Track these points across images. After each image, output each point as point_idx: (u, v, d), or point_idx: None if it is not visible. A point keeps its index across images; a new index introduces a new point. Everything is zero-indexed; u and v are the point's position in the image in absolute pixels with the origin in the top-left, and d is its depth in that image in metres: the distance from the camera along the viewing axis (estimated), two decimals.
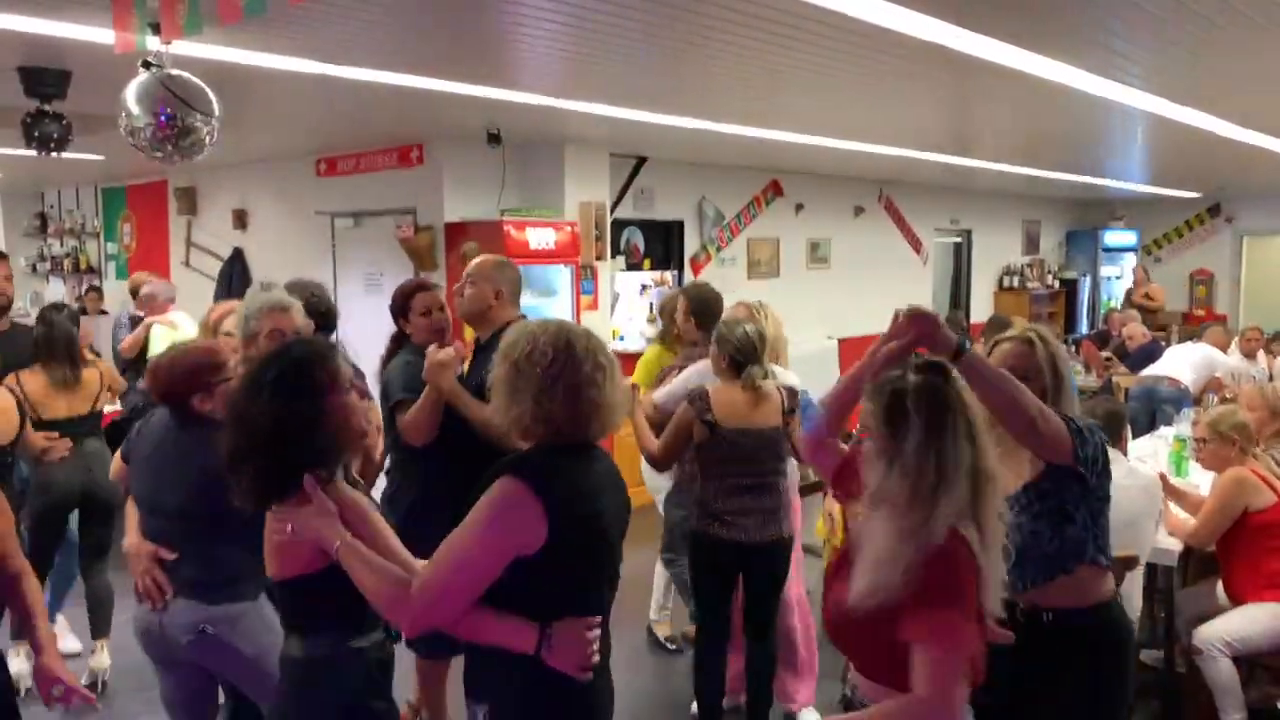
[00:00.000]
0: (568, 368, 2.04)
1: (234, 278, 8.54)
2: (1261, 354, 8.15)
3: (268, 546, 2.10)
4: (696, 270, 9.07)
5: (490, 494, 1.97)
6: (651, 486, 4.77)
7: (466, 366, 3.54)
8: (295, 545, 2.02)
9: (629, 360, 5.59)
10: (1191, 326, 11.01)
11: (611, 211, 7.63)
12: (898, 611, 1.85)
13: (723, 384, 3.68)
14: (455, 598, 1.94)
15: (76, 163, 8.00)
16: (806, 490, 4.67)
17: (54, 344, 4.39)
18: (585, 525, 2.04)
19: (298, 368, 2.07)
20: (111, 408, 5.63)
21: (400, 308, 3.71)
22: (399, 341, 3.73)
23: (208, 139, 3.57)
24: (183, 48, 3.46)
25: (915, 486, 1.88)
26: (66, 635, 4.70)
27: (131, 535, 2.83)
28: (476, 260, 3.66)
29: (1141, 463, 4.33)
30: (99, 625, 4.55)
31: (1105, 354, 9.72)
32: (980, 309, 12.47)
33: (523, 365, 2.06)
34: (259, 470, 2.03)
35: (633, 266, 8.46)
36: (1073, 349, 10.32)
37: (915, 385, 1.96)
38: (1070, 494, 2.47)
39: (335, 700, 2.09)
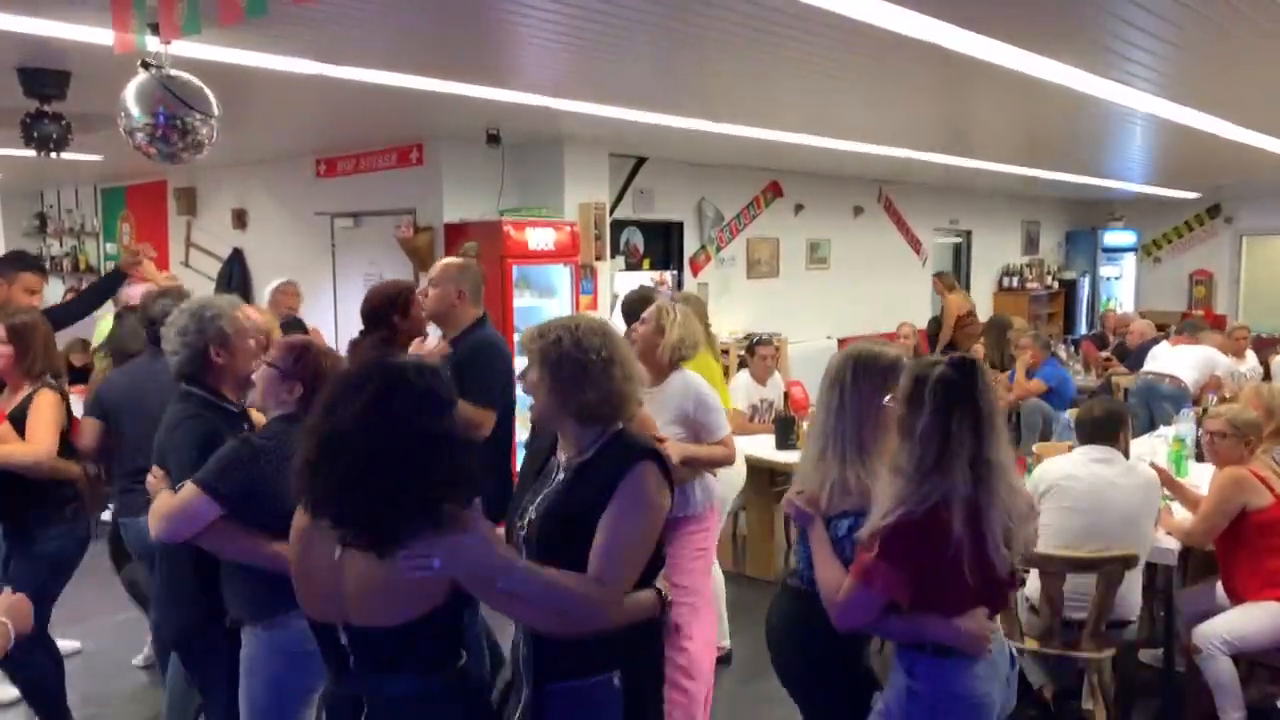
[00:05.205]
0: (614, 350, 2.15)
1: (233, 278, 8.55)
2: (1250, 353, 8.17)
3: (375, 591, 1.92)
4: (696, 270, 9.07)
5: (641, 482, 2.06)
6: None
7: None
8: (424, 584, 1.87)
9: None
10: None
11: (611, 212, 7.63)
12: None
13: None
14: (633, 583, 2.05)
15: (76, 163, 8.00)
16: None
17: None
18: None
19: (437, 379, 1.96)
20: None
21: (405, 305, 3.78)
22: (389, 342, 3.78)
23: (207, 139, 3.57)
24: (182, 48, 3.46)
25: (919, 461, 2.18)
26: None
27: None
28: (440, 263, 3.82)
29: (1141, 461, 4.33)
30: None
31: (1105, 354, 9.75)
32: (980, 309, 12.46)
33: (574, 355, 2.11)
34: (392, 504, 1.82)
35: (632, 267, 8.47)
36: (1072, 349, 10.34)
37: (935, 375, 2.22)
38: None
39: None
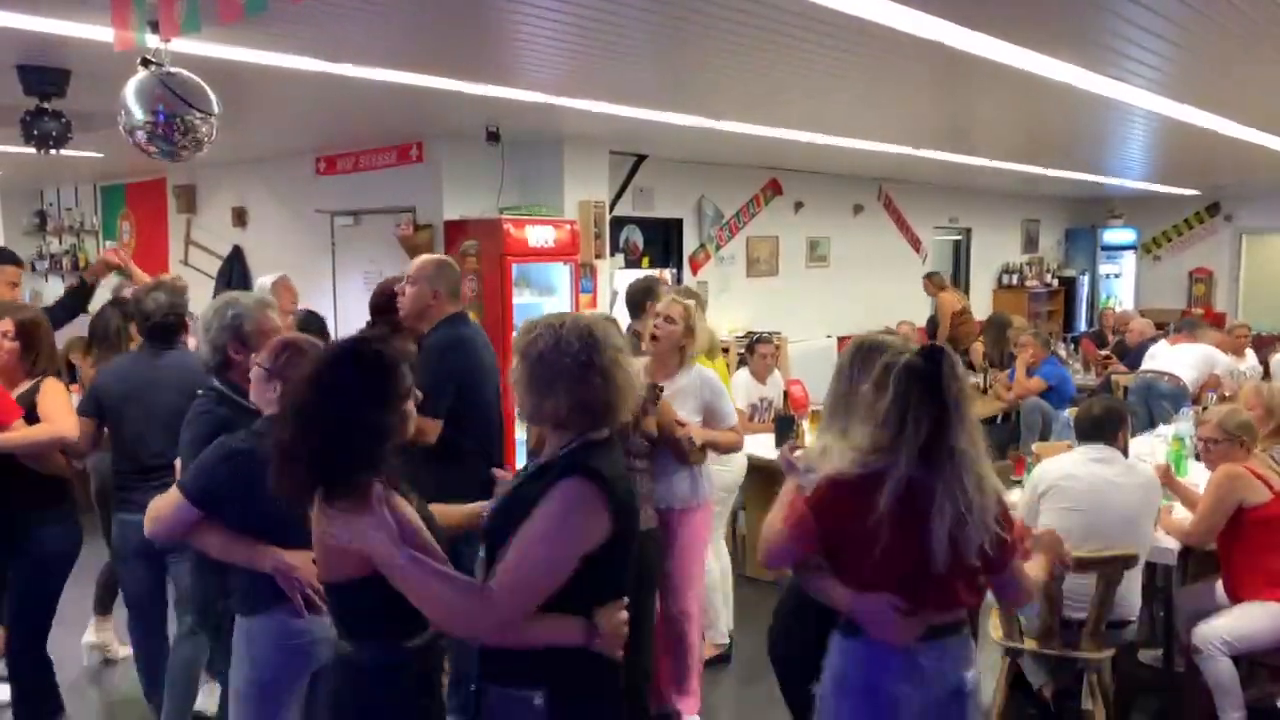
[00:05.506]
0: (596, 353, 2.04)
1: (233, 276, 8.54)
2: (1250, 351, 8.18)
3: (317, 547, 2.06)
4: (695, 269, 9.07)
5: (560, 498, 1.95)
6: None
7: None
8: (345, 550, 1.94)
9: None
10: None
11: (611, 209, 7.63)
12: None
13: None
14: (531, 604, 1.94)
15: (75, 161, 7.99)
16: None
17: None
18: (631, 514, 2.08)
19: (386, 369, 2.03)
20: None
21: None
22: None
23: (207, 137, 3.56)
24: (182, 45, 3.45)
25: (874, 444, 2.26)
26: None
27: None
28: (417, 261, 3.80)
29: (1141, 461, 4.33)
30: None
31: (1104, 352, 9.75)
32: (979, 307, 12.48)
33: (550, 357, 2.03)
34: (314, 468, 1.96)
35: (632, 265, 8.45)
36: (1072, 347, 10.34)
37: (902, 361, 2.27)
38: None
39: (389, 701, 2.07)
